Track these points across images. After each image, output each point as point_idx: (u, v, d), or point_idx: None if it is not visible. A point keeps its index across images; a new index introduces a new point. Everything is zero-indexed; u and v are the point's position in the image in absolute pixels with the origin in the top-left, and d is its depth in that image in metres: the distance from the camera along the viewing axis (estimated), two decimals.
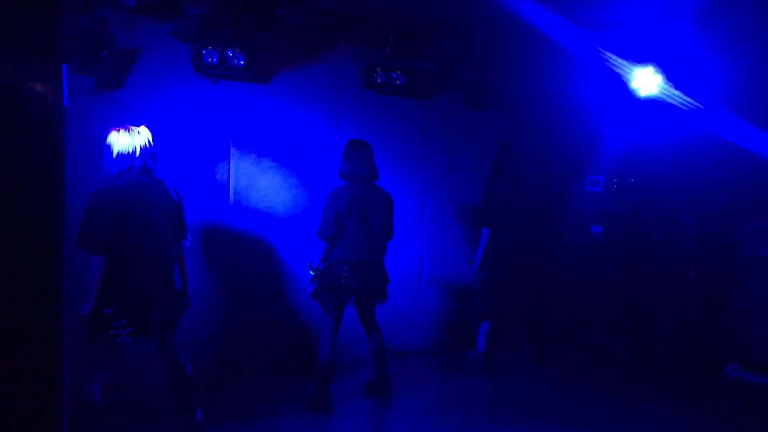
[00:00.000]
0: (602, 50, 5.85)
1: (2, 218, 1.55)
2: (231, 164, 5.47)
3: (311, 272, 5.08)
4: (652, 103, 6.04)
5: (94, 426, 3.91)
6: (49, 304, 1.72)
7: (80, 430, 3.81)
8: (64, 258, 1.76)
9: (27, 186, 1.57)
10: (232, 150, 5.48)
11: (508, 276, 6.09)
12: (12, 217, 1.56)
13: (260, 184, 5.65)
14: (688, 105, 5.85)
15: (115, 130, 4.01)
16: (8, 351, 1.62)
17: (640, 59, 5.87)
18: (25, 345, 1.65)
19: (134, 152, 3.98)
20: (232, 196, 5.50)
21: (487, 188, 6.09)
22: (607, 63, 5.92)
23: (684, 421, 5.14)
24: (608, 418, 5.16)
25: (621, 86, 6.07)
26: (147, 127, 4.14)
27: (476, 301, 6.19)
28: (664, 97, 5.92)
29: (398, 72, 6.10)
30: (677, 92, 5.86)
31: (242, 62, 5.15)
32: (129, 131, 4.00)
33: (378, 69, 6.03)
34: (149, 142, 4.06)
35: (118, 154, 3.96)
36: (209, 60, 5.06)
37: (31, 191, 1.57)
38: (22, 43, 1.50)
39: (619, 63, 5.91)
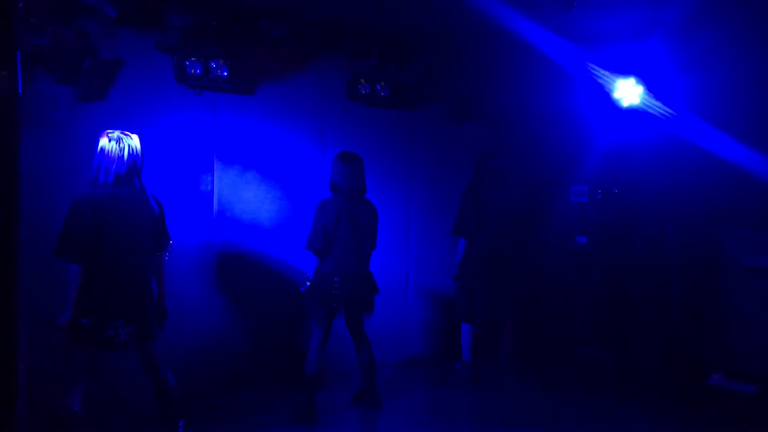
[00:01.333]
0: (585, 62, 5.90)
1: None
2: (215, 176, 5.46)
3: (307, 282, 5.06)
4: (634, 113, 6.09)
5: None
6: (4, 311, 1.69)
7: None
8: (19, 262, 1.73)
9: None
10: (216, 161, 5.47)
11: (487, 285, 6.08)
12: None
13: (245, 195, 5.63)
14: (670, 115, 5.91)
15: (105, 135, 3.97)
16: None
17: (622, 71, 5.93)
18: None
19: (121, 158, 3.94)
20: (216, 207, 5.47)
21: (462, 199, 6.11)
22: (590, 74, 5.98)
23: (669, 429, 5.14)
24: (594, 428, 5.15)
25: (604, 97, 6.13)
26: None
27: (456, 308, 6.20)
28: (646, 107, 5.98)
29: (383, 83, 6.12)
30: (659, 103, 5.92)
31: (226, 73, 5.15)
32: (119, 138, 3.97)
33: (362, 80, 6.04)
34: (137, 149, 4.03)
35: (105, 159, 3.92)
36: (192, 71, 5.05)
37: None
38: None
39: (601, 74, 5.97)
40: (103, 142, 3.97)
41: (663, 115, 5.92)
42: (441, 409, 5.65)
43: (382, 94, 6.15)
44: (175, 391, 4.20)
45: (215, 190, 5.46)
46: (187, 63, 5.02)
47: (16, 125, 1.60)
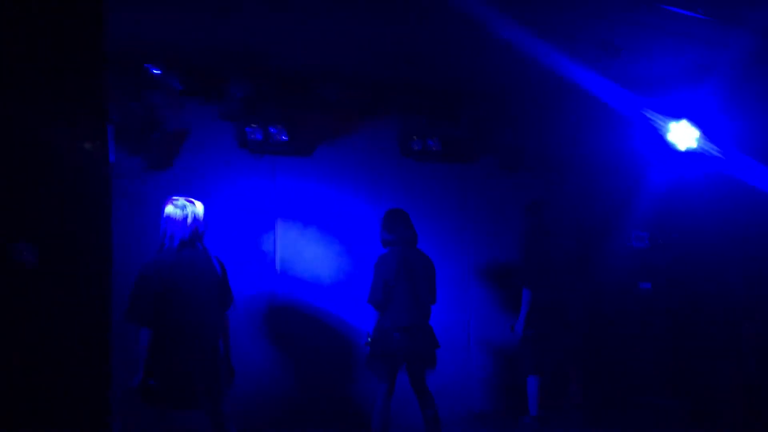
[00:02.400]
0: (639, 107, 5.89)
1: (53, 261, 1.65)
2: (276, 235, 5.61)
3: (368, 338, 5.09)
4: (692, 156, 6.02)
5: None
6: (99, 376, 1.78)
7: None
8: (111, 315, 1.84)
9: (77, 233, 1.68)
10: (277, 221, 5.63)
11: (552, 335, 5.99)
12: (63, 259, 1.67)
13: (305, 253, 5.75)
14: (729, 158, 5.82)
15: (171, 202, 4.15)
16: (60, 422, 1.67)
17: (676, 114, 5.90)
18: (77, 417, 1.70)
19: (185, 224, 4.10)
20: (278, 265, 5.61)
21: (524, 249, 6.08)
22: (644, 118, 5.95)
23: None
24: None
25: (659, 141, 6.08)
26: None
27: (521, 361, 6.10)
28: (704, 151, 5.91)
29: (434, 139, 6.22)
30: (716, 146, 5.84)
31: (285, 137, 5.36)
32: (183, 205, 4.14)
33: (414, 137, 6.16)
34: (200, 215, 4.18)
35: (171, 225, 4.09)
36: (253, 137, 5.27)
37: (81, 238, 1.67)
38: (71, 105, 1.64)
39: (656, 118, 5.94)
40: (169, 209, 4.14)
41: (721, 158, 5.83)
42: None
43: (435, 149, 6.25)
44: None
45: (277, 249, 5.61)
46: (248, 129, 5.24)
47: (108, 190, 1.73)
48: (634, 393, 6.82)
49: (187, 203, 4.17)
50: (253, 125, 5.22)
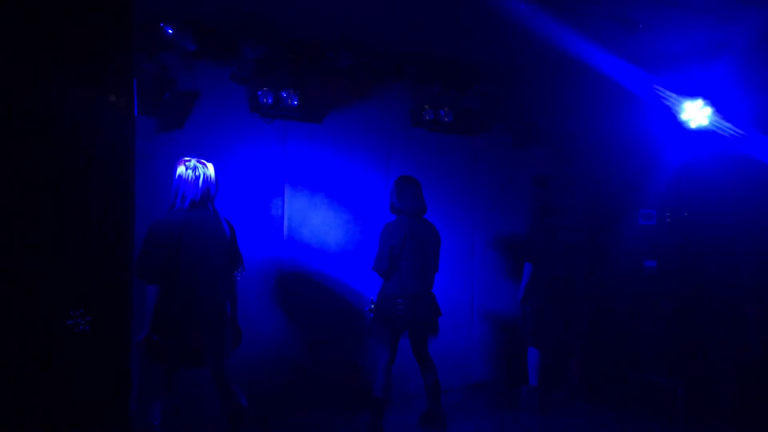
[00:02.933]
0: (651, 84, 5.87)
1: (77, 227, 1.68)
2: (285, 200, 5.64)
3: (371, 305, 5.16)
4: (702, 135, 6.00)
5: None
6: (119, 330, 1.82)
7: None
8: (132, 280, 1.87)
9: (101, 185, 1.71)
10: (287, 187, 5.66)
11: (555, 310, 6.04)
12: (85, 220, 1.70)
13: (313, 219, 5.79)
14: (740, 136, 5.80)
15: (183, 163, 4.19)
16: (78, 377, 1.71)
17: (690, 92, 5.87)
18: (96, 369, 1.74)
19: (197, 185, 4.14)
20: (286, 231, 5.65)
21: (529, 224, 6.11)
22: (656, 96, 5.93)
23: None
24: None
25: (671, 119, 6.06)
26: None
27: (522, 333, 6.16)
28: (715, 128, 5.88)
29: (446, 109, 6.22)
30: (728, 124, 5.82)
31: (296, 102, 5.35)
32: (195, 166, 4.18)
33: (426, 107, 6.16)
34: (212, 177, 4.22)
35: (182, 185, 4.13)
36: (264, 101, 5.27)
37: (104, 191, 1.70)
38: (99, 61, 1.67)
39: (668, 95, 5.92)
40: (180, 169, 4.18)
41: (733, 136, 5.81)
42: None
43: (446, 120, 6.25)
44: (247, 412, 4.31)
45: (285, 215, 5.64)
46: (260, 93, 5.25)
47: (132, 143, 1.76)
48: (635, 370, 6.87)
49: (199, 164, 4.20)
50: (264, 89, 5.22)
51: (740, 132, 5.77)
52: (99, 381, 1.69)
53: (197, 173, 4.17)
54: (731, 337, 6.26)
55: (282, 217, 5.63)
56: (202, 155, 4.41)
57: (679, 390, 6.35)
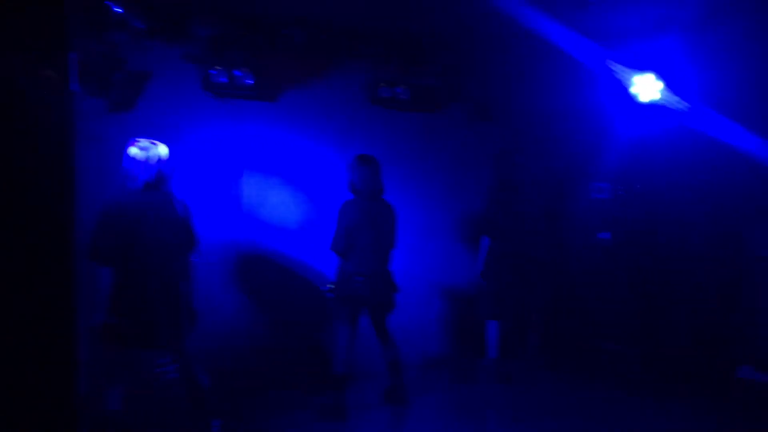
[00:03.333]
0: (604, 59, 5.94)
1: (13, 210, 1.64)
2: (242, 181, 5.60)
3: (328, 285, 5.18)
4: (654, 109, 6.12)
5: None
6: (63, 314, 1.79)
7: None
8: (75, 263, 1.84)
9: (39, 170, 1.66)
10: (243, 167, 5.61)
11: (513, 283, 6.15)
12: (23, 208, 1.65)
13: (271, 199, 5.76)
14: (690, 110, 5.92)
15: (135, 143, 4.12)
16: (22, 360, 1.68)
17: (641, 67, 5.97)
18: (40, 354, 1.71)
19: (149, 166, 4.08)
20: (244, 212, 5.61)
21: (488, 198, 6.18)
22: (609, 71, 6.01)
23: (697, 422, 5.15)
24: (621, 420, 5.18)
25: (624, 93, 6.16)
26: None
27: (481, 307, 6.26)
28: (666, 103, 6.00)
29: (403, 87, 6.22)
30: (678, 98, 5.94)
31: (250, 81, 5.30)
32: (147, 146, 4.11)
33: (383, 84, 6.15)
34: (164, 157, 4.16)
35: (134, 166, 4.07)
36: (218, 80, 5.21)
37: (42, 176, 1.66)
38: (32, 33, 1.61)
39: (620, 70, 6.00)
40: (132, 150, 4.11)
41: (683, 110, 5.94)
42: (469, 405, 5.70)
43: (403, 97, 6.26)
44: (209, 392, 4.32)
45: (243, 195, 5.60)
46: (213, 72, 5.18)
47: (72, 119, 1.71)
48: (592, 340, 7.05)
49: (151, 145, 4.13)
50: (217, 68, 5.15)
51: (689, 106, 5.90)
52: (44, 368, 1.67)
53: (149, 154, 4.10)
54: (683, 305, 6.46)
55: (239, 198, 5.59)
56: (155, 136, 4.34)
57: (635, 357, 6.54)
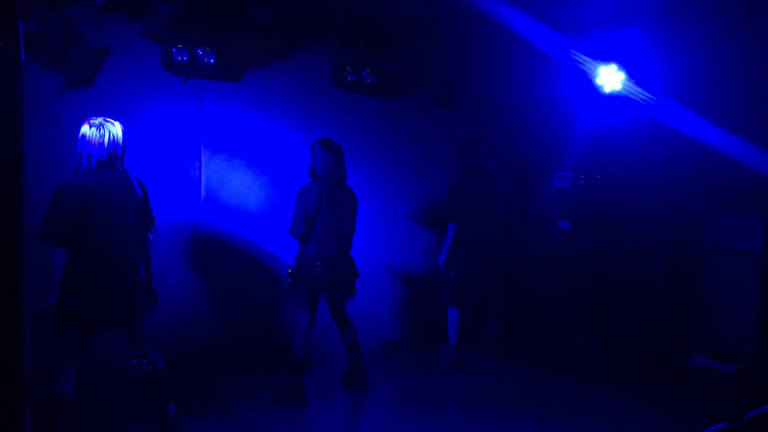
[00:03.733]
0: (568, 49, 5.99)
1: None
2: (202, 162, 5.51)
3: (288, 269, 5.14)
4: (616, 99, 6.19)
5: (66, 419, 3.91)
6: (10, 297, 1.73)
7: (51, 424, 3.82)
8: (23, 248, 1.77)
9: None
10: (203, 148, 5.52)
11: (476, 270, 6.18)
12: None
13: (232, 182, 5.69)
14: (652, 102, 6.01)
15: (87, 122, 4.03)
16: None
17: (604, 57, 6.02)
18: None
19: (102, 145, 4.00)
20: (203, 194, 5.53)
21: (451, 186, 6.19)
22: (573, 61, 6.06)
23: (652, 407, 5.26)
24: (577, 407, 5.26)
25: (587, 84, 6.22)
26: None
27: (444, 293, 6.29)
28: (628, 93, 6.08)
29: (368, 71, 6.18)
30: (640, 89, 6.02)
31: (212, 60, 5.19)
32: (100, 125, 4.03)
33: (348, 68, 6.10)
34: (118, 136, 4.08)
35: (87, 145, 3.99)
36: (179, 58, 5.10)
37: None
38: None
39: (584, 61, 6.06)
40: (85, 129, 4.03)
41: (644, 101, 6.02)
42: (428, 390, 5.74)
43: (368, 81, 6.21)
44: (165, 375, 4.26)
45: (203, 176, 5.52)
46: (174, 50, 5.06)
47: (19, 92, 1.65)
48: (551, 327, 7.14)
49: (105, 122, 4.05)
50: (179, 46, 5.03)
51: (652, 98, 5.98)
52: None
53: (102, 132, 4.02)
54: (640, 293, 6.58)
55: (199, 179, 5.50)
56: (114, 115, 4.25)
57: (592, 345, 6.65)
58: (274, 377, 5.49)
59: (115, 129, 4.07)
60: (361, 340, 5.42)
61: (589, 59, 6.01)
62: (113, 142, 4.04)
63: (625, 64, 5.93)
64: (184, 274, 5.46)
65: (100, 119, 4.04)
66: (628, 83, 5.98)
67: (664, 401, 5.40)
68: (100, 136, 4.00)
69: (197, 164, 5.49)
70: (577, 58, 6.00)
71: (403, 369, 6.27)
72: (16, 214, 1.76)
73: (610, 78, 6.02)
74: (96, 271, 3.94)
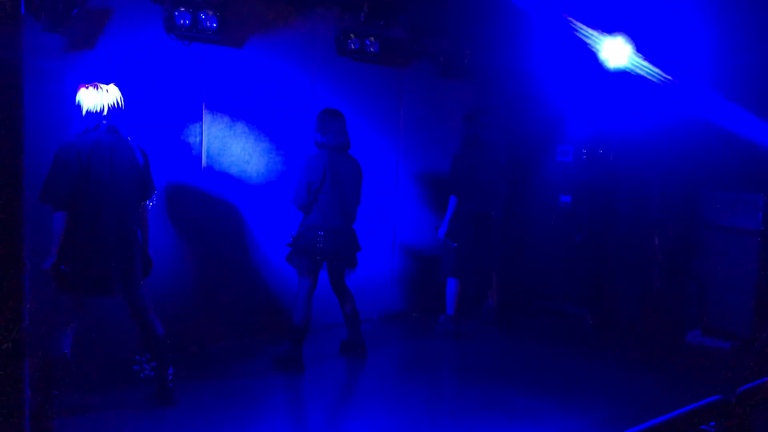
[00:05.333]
0: (574, 20, 5.92)
1: None
2: (204, 128, 5.47)
3: (291, 238, 5.15)
4: (622, 74, 6.13)
5: (65, 379, 3.94)
6: (10, 261, 1.73)
7: (50, 384, 3.85)
8: (23, 208, 1.76)
9: None
10: (205, 114, 5.48)
11: (475, 243, 6.19)
12: None
13: (233, 148, 5.66)
14: (657, 77, 5.96)
15: (84, 87, 4.02)
16: None
17: (611, 30, 5.96)
18: None
19: (101, 110, 3.99)
20: (204, 160, 5.50)
21: (454, 158, 6.17)
22: (579, 33, 5.99)
23: (644, 379, 5.31)
24: (570, 379, 5.31)
25: (592, 57, 6.16)
26: (118, 87, 4.15)
27: (444, 264, 6.31)
28: (634, 69, 6.02)
29: (372, 39, 6.12)
30: (646, 63, 5.96)
31: (215, 25, 5.13)
32: (98, 89, 4.02)
33: (352, 35, 6.04)
34: (118, 101, 4.07)
35: (86, 111, 3.98)
36: (181, 22, 5.04)
37: None
38: None
39: (590, 33, 5.99)
40: (83, 93, 4.03)
41: (649, 76, 5.97)
42: (425, 359, 5.79)
43: (372, 49, 6.16)
44: (163, 339, 4.29)
45: (204, 143, 5.49)
46: (177, 13, 5.01)
47: (19, 45, 1.62)
48: (548, 300, 7.18)
49: (103, 86, 4.05)
50: (181, 9, 4.97)
51: (657, 72, 5.93)
52: None
53: (101, 96, 4.02)
54: (637, 268, 6.60)
55: (200, 145, 5.47)
56: (114, 77, 4.22)
57: (587, 318, 6.68)
58: (272, 345, 5.53)
59: (113, 93, 4.06)
60: (360, 309, 5.45)
61: (595, 32, 5.94)
62: (113, 108, 4.03)
63: (634, 38, 5.86)
64: (185, 241, 5.45)
65: (98, 84, 4.03)
66: (636, 58, 5.92)
67: (657, 375, 5.46)
68: (100, 101, 4.00)
69: (198, 130, 5.45)
70: (583, 30, 5.94)
71: (402, 338, 6.33)
72: (16, 171, 1.74)
73: (616, 52, 5.95)
74: (93, 236, 3.96)
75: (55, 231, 3.85)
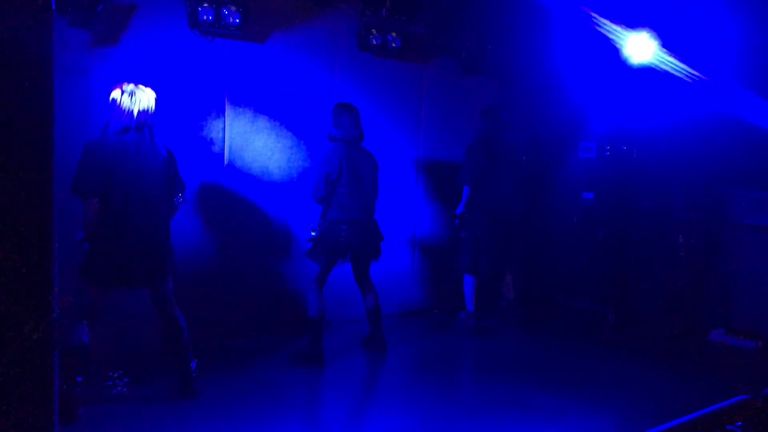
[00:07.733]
0: (597, 16, 5.86)
1: None
2: (226, 123, 5.51)
3: (312, 233, 5.18)
4: (646, 71, 6.06)
5: (86, 368, 4.00)
6: (41, 254, 1.75)
7: (70, 371, 3.90)
8: (53, 198, 1.78)
9: (15, 96, 1.59)
10: (227, 109, 5.51)
11: (487, 237, 6.17)
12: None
13: (256, 144, 5.68)
14: (682, 73, 5.88)
15: (120, 87, 4.04)
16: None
17: (635, 25, 5.89)
18: (16, 289, 1.67)
19: (131, 112, 4.02)
20: (227, 155, 5.53)
21: (468, 150, 6.15)
22: (602, 29, 5.93)
23: (666, 378, 5.26)
24: (591, 377, 5.28)
25: (616, 53, 6.10)
26: (142, 83, 4.17)
27: (458, 260, 6.30)
28: (658, 65, 5.95)
29: (394, 34, 6.12)
30: (672, 59, 5.89)
31: (237, 20, 5.16)
32: (132, 92, 4.04)
33: (374, 31, 6.04)
34: (150, 104, 4.10)
35: (117, 111, 4.01)
36: (205, 17, 5.07)
37: (19, 104, 1.59)
38: None
39: (613, 29, 5.93)
40: (116, 94, 4.05)
41: (674, 72, 5.89)
42: (444, 355, 5.79)
43: (393, 45, 6.16)
44: (186, 332, 4.33)
45: (226, 138, 5.52)
46: (200, 9, 5.04)
47: (49, 39, 1.64)
48: (569, 297, 7.13)
49: (137, 90, 4.08)
50: (204, 5, 5.01)
51: (683, 68, 5.86)
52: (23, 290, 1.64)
53: (134, 99, 4.05)
54: (660, 267, 6.53)
55: (223, 141, 5.50)
56: (138, 72, 4.25)
57: (608, 317, 6.62)
58: (293, 340, 5.55)
59: (147, 96, 4.09)
60: (381, 304, 5.46)
61: (619, 28, 5.87)
62: (143, 111, 4.06)
63: (657, 31, 5.79)
64: (207, 237, 5.48)
65: (132, 86, 4.07)
66: (659, 54, 5.85)
67: (679, 374, 5.40)
68: (131, 104, 4.03)
69: (221, 125, 5.48)
70: (606, 26, 5.87)
71: (422, 334, 6.32)
72: (47, 166, 1.77)
73: (640, 48, 5.88)
74: (115, 230, 4.00)
75: (86, 211, 3.93)
